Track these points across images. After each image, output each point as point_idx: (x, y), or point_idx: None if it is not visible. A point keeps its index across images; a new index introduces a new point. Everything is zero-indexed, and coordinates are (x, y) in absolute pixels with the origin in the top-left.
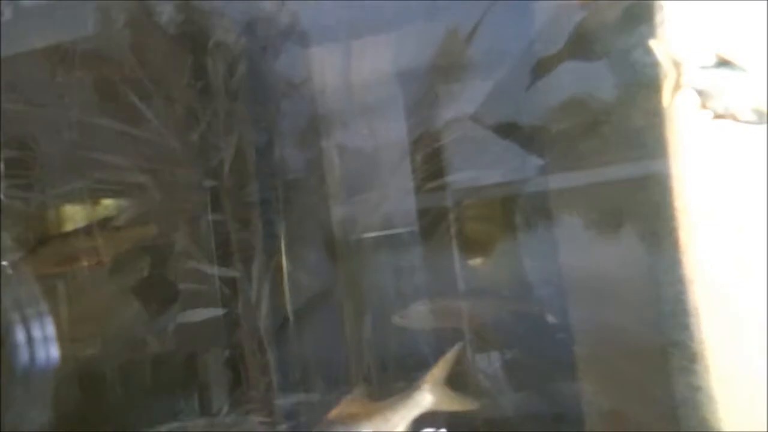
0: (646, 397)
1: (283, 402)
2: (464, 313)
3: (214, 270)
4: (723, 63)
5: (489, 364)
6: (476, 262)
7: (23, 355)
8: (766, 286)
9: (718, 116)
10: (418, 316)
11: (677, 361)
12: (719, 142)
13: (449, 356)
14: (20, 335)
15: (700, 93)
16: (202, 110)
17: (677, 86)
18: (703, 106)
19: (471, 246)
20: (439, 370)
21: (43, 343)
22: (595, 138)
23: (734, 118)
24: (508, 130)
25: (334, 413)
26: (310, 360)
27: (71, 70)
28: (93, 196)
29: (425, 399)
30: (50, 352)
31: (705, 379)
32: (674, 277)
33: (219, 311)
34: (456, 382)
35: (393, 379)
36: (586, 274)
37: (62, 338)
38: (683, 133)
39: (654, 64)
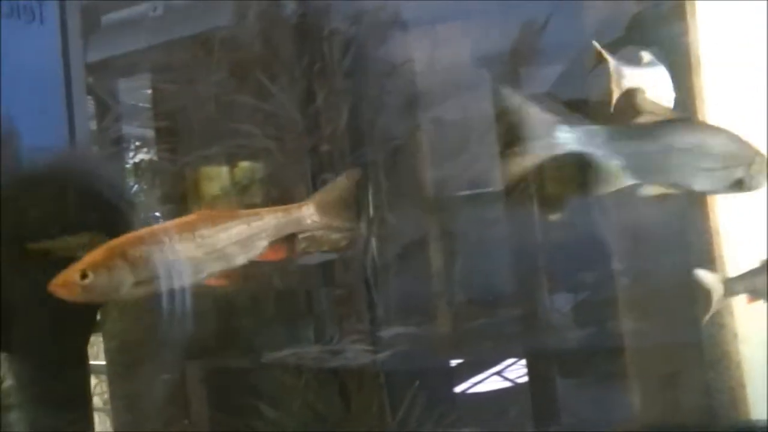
0: (677, 333)
1: (384, 333)
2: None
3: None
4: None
5: (564, 304)
6: (551, 216)
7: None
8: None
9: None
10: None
11: (704, 302)
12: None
13: None
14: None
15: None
16: (319, 87)
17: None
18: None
19: (547, 203)
20: None
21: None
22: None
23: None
24: (576, 105)
25: None
26: (408, 298)
27: (211, 54)
28: (228, 159)
29: None
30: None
31: (728, 318)
32: (702, 229)
33: (333, 256)
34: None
35: (476, 315)
36: (635, 228)
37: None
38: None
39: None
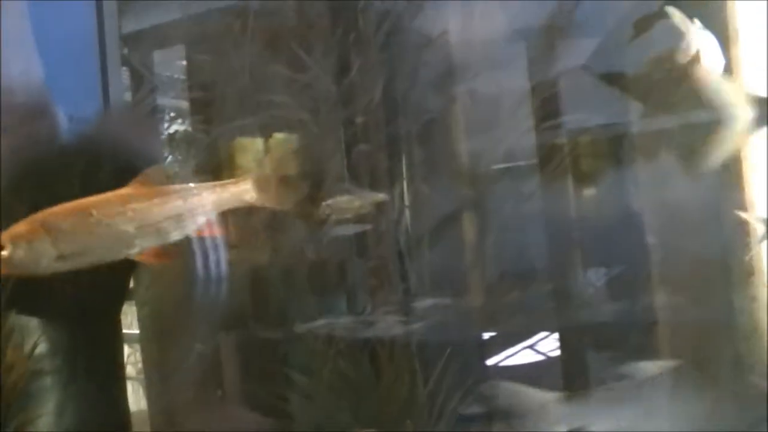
0: (709, 306)
1: (417, 305)
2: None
3: (362, 192)
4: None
5: (597, 278)
6: (586, 191)
7: (201, 263)
8: None
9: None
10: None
11: (737, 275)
12: None
13: None
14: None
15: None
16: (354, 58)
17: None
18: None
19: (581, 177)
20: None
21: (216, 251)
22: (685, 86)
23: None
24: (613, 79)
25: None
26: (441, 270)
27: (246, 25)
28: (263, 130)
29: None
30: (222, 259)
31: (760, 290)
32: (736, 202)
33: (366, 227)
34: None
35: (509, 289)
36: (670, 201)
37: (236, 247)
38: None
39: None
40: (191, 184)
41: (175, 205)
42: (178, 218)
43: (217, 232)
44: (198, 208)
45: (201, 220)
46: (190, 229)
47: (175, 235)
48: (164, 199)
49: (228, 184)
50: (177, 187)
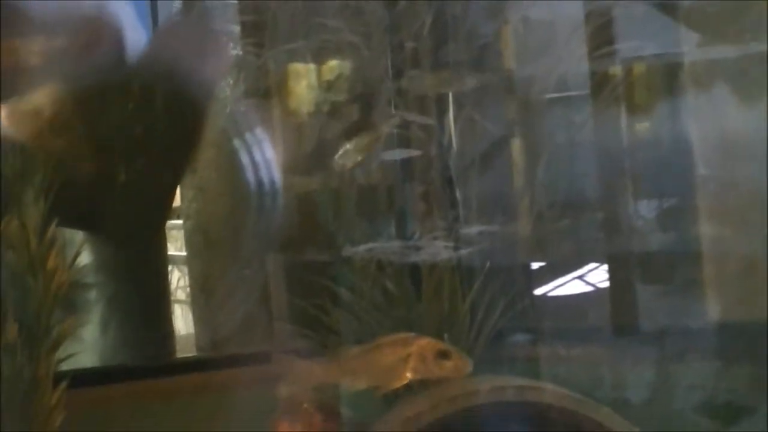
0: (761, 240)
1: (466, 231)
2: None
3: (413, 117)
4: None
5: (648, 210)
6: (639, 120)
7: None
8: None
9: None
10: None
11: None
12: None
13: None
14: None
15: None
16: None
17: None
18: None
19: (634, 106)
20: None
21: (268, 170)
22: (745, 16)
23: None
24: (668, 8)
25: None
26: (490, 197)
27: None
28: (315, 54)
29: None
30: (276, 179)
31: None
32: None
33: (416, 152)
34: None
35: (559, 217)
36: (723, 133)
37: (284, 171)
38: None
39: None
40: None
41: None
42: None
43: None
44: None
45: None
46: None
47: None
48: None
49: None
50: None
